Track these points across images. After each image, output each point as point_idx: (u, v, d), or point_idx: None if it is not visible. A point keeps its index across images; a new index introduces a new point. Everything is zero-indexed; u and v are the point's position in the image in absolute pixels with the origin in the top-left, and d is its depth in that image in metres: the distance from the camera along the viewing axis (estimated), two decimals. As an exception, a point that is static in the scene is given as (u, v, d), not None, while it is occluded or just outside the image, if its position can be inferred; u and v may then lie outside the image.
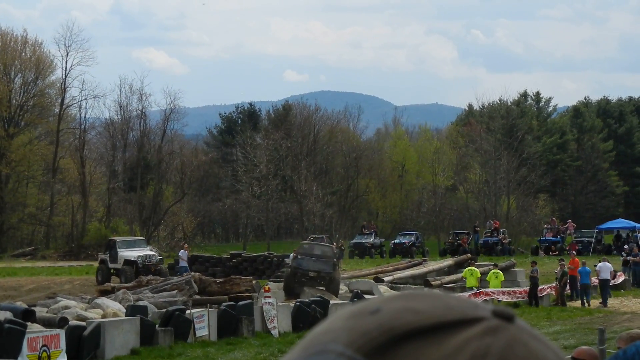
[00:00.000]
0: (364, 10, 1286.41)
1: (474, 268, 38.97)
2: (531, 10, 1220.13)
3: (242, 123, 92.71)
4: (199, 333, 25.99)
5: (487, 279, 38.16)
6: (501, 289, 37.23)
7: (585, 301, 37.50)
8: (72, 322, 24.87)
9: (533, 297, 36.98)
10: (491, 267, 41.13)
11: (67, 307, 28.34)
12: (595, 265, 39.69)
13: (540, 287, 37.46)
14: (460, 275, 41.75)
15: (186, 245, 51.09)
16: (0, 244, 71.73)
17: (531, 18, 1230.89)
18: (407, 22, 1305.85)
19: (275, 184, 79.68)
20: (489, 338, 1.04)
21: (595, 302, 37.86)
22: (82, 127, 79.14)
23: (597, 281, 39.05)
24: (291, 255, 39.34)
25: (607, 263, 40.16)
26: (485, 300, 32.82)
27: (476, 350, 1.03)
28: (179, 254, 47.76)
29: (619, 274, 43.86)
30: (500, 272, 38.90)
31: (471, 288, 36.59)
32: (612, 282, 41.21)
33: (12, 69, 76.36)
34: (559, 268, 38.97)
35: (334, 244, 50.59)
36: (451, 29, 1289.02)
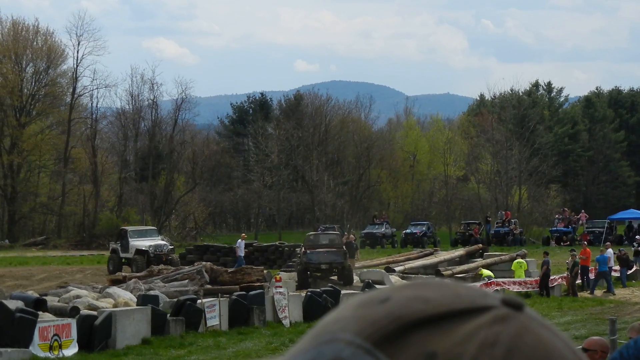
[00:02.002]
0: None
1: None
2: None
3: (253, 113, 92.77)
4: (210, 323, 26.02)
5: (512, 268, 38.25)
6: (511, 279, 37.17)
7: (594, 289, 37.62)
8: (84, 312, 24.92)
9: (544, 287, 36.94)
10: (501, 257, 41.19)
11: (78, 297, 28.36)
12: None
13: (551, 278, 37.42)
14: (472, 265, 41.75)
15: (244, 235, 49.33)
16: (12, 234, 71.89)
17: (542, 8, 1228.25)
18: (418, 12, 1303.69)
19: (287, 174, 79.73)
20: (498, 326, 1.04)
21: (601, 292, 37.92)
22: (94, 116, 79.28)
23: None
24: (300, 250, 39.13)
25: (610, 250, 40.22)
26: (496, 289, 32.80)
27: (485, 339, 1.03)
28: (237, 244, 45.20)
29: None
30: (524, 261, 38.88)
31: (489, 277, 36.61)
32: (628, 272, 41.33)
33: (24, 58, 76.39)
34: (570, 258, 38.91)
35: (346, 234, 50.53)
36: (461, 19, 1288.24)
